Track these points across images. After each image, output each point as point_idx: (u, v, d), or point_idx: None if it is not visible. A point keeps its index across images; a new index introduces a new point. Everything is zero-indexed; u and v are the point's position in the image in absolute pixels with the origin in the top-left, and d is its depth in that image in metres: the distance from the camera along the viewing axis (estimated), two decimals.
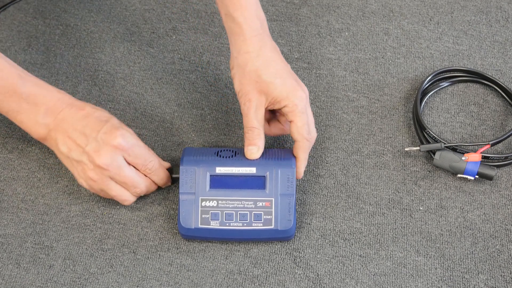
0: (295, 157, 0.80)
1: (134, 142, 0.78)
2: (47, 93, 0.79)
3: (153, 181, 0.81)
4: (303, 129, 0.78)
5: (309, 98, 0.92)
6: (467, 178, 0.84)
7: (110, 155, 0.76)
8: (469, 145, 0.86)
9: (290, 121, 0.79)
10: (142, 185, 0.79)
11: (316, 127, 0.90)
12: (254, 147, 0.79)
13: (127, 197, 0.80)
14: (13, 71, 0.78)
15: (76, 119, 0.78)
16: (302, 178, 0.85)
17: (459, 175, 0.84)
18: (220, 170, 0.78)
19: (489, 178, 0.83)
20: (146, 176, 0.80)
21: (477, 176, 0.83)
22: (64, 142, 0.77)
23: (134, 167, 0.78)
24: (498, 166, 0.85)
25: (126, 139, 0.77)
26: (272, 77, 0.78)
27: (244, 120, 0.79)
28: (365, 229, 0.81)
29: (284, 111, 0.79)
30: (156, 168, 0.80)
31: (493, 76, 0.94)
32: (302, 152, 0.79)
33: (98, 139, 0.76)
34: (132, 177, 0.78)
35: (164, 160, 0.84)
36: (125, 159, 0.77)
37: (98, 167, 0.76)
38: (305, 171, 0.85)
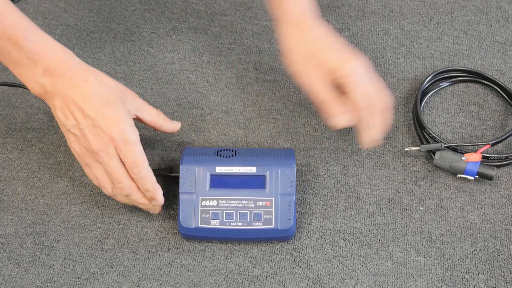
0: (294, 156, 0.80)
1: (130, 139, 0.74)
2: (49, 52, 0.74)
3: (139, 189, 0.77)
4: (361, 99, 0.76)
5: (309, 99, 0.92)
6: (467, 178, 0.84)
7: (103, 143, 0.74)
8: (469, 145, 0.85)
9: (349, 92, 0.78)
10: (126, 183, 0.76)
11: (316, 127, 0.90)
12: (335, 118, 0.78)
13: (108, 186, 0.77)
14: (20, 21, 0.74)
15: (77, 90, 0.74)
16: (302, 178, 0.85)
17: (459, 175, 0.84)
18: (220, 169, 0.78)
19: (489, 178, 0.83)
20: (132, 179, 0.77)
21: (477, 176, 0.83)
22: (61, 109, 0.75)
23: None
24: (498, 166, 0.85)
25: (124, 135, 0.74)
26: (324, 50, 0.78)
27: (313, 98, 0.79)
28: (365, 229, 0.81)
29: (341, 82, 0.78)
30: (142, 176, 0.76)
31: (493, 76, 0.94)
32: (364, 122, 0.78)
33: (95, 123, 0.73)
34: (118, 171, 0.75)
35: (164, 160, 0.84)
36: (116, 152, 0.75)
37: (89, 149, 0.74)
38: (305, 171, 0.85)
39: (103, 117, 0.74)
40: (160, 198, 0.78)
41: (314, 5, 0.82)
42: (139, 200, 0.78)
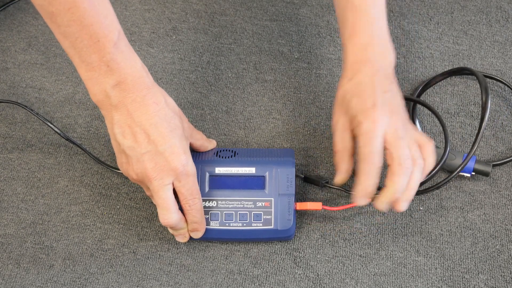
0: (294, 156, 0.79)
1: (191, 171, 0.73)
2: (131, 65, 0.69)
3: (186, 220, 0.76)
4: (363, 151, 0.70)
5: (309, 99, 0.92)
6: (464, 176, 0.84)
7: (161, 172, 0.71)
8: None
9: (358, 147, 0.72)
10: (175, 216, 0.73)
11: (316, 127, 0.90)
12: (338, 173, 0.76)
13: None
14: (115, 26, 0.69)
15: (146, 111, 0.70)
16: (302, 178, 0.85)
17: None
18: (219, 170, 0.78)
19: (485, 174, 0.83)
20: (183, 210, 0.75)
21: (473, 173, 0.83)
22: (120, 126, 0.70)
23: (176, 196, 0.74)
24: (496, 165, 0.85)
25: (187, 167, 0.72)
26: (353, 95, 0.72)
27: (333, 147, 0.76)
28: (365, 229, 0.81)
29: (355, 133, 0.72)
30: (196, 208, 0.75)
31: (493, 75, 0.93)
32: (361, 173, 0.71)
33: (159, 150, 0.70)
34: (169, 201, 0.72)
35: None
36: (173, 183, 0.72)
37: (143, 174, 0.71)
38: (305, 171, 0.85)
39: (169, 146, 0.70)
40: (203, 232, 0.77)
41: (377, 51, 0.74)
42: (179, 226, 0.76)
